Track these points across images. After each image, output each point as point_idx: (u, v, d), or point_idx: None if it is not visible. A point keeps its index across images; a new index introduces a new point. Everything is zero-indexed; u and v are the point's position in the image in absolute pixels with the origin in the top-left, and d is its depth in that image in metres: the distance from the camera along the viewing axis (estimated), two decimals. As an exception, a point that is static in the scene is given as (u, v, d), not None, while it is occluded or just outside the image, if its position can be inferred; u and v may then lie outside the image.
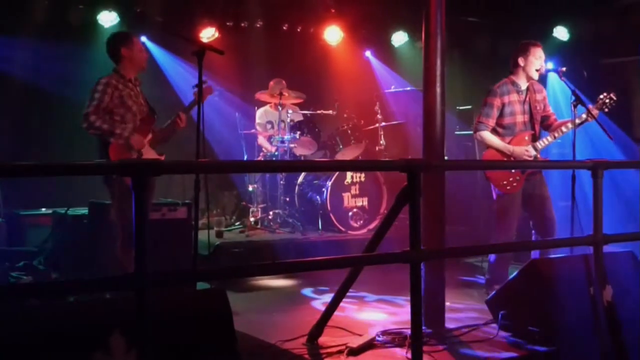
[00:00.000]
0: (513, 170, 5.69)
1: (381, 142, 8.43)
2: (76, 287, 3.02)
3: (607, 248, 4.16)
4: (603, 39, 9.34)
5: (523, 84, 5.80)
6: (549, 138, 5.77)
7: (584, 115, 5.61)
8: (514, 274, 4.54)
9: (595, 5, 9.24)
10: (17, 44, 8.00)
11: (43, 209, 7.52)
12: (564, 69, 5.79)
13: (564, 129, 5.70)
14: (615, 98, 5.64)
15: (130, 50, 5.28)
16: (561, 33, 9.74)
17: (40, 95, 8.04)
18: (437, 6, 4.86)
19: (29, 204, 7.66)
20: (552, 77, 9.17)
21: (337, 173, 7.68)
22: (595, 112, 5.62)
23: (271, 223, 7.89)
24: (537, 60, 5.74)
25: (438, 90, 4.84)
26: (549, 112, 5.95)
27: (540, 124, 5.88)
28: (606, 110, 5.68)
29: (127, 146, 5.12)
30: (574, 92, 5.61)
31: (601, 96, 5.68)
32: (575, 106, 5.63)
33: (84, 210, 6.62)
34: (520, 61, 5.76)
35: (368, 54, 10.58)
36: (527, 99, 5.80)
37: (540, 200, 5.76)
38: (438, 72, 4.85)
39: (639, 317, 4.67)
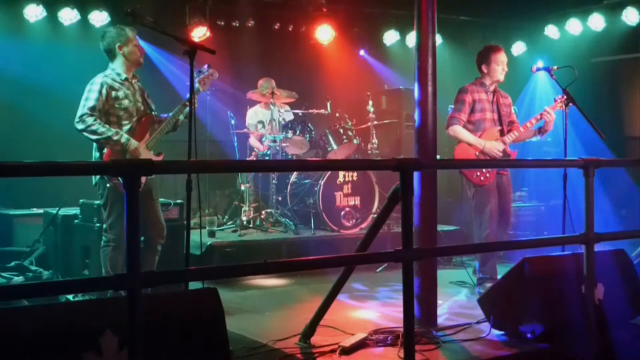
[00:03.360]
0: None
1: (373, 141, 8.43)
2: (68, 287, 3.01)
3: (599, 246, 4.17)
4: (594, 37, 9.38)
5: (491, 86, 6.03)
6: (515, 133, 5.97)
7: (538, 116, 5.89)
8: (506, 272, 4.55)
9: (586, 4, 9.29)
10: (8, 44, 7.98)
11: (34, 209, 7.48)
12: (555, 67, 5.84)
13: (528, 124, 5.95)
14: (568, 95, 5.78)
15: (126, 47, 5.12)
16: (552, 31, 9.78)
17: (30, 95, 7.99)
18: (429, 5, 4.86)
19: (20, 204, 7.63)
20: (541, 76, 9.19)
21: (329, 172, 7.68)
22: (552, 113, 5.83)
23: (263, 222, 7.88)
24: (499, 66, 5.97)
25: (430, 89, 4.85)
26: (514, 118, 6.21)
27: (506, 126, 6.08)
28: (562, 108, 5.83)
29: (122, 152, 4.97)
30: (565, 91, 5.66)
31: (557, 97, 5.89)
32: (566, 105, 5.68)
33: (75, 210, 6.60)
34: (484, 68, 6.01)
35: (362, 52, 10.59)
36: (495, 99, 6.03)
37: (506, 196, 6.02)
38: (430, 71, 4.86)
39: (629, 315, 4.70)
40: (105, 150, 5.01)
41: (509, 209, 6.09)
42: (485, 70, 5.97)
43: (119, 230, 5.02)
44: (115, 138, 4.95)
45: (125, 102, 5.09)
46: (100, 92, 4.97)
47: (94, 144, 5.09)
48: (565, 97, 5.77)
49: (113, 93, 5.03)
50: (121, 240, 4.97)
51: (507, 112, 6.09)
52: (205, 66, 5.28)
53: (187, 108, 5.08)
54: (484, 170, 5.85)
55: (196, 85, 5.16)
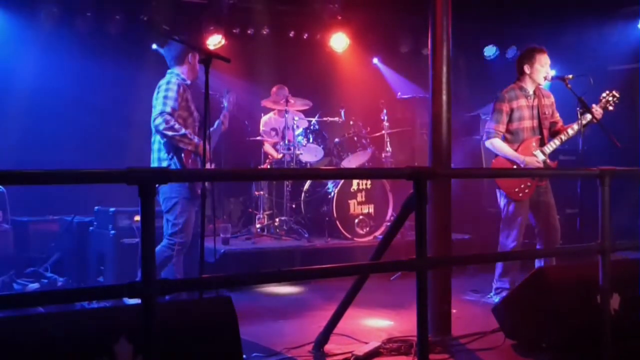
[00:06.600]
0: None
1: (387, 149, 8.42)
2: (83, 295, 3.02)
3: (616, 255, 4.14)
4: (610, 45, 9.33)
5: (530, 89, 5.82)
6: (555, 142, 5.75)
7: (588, 116, 5.61)
8: (520, 281, 4.52)
9: (601, 11, 9.24)
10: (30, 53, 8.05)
11: (49, 216, 7.52)
12: (570, 76, 5.77)
13: (569, 131, 5.71)
14: (618, 95, 5.65)
15: (194, 57, 5.18)
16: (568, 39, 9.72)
17: (50, 101, 8.05)
18: (443, 13, 4.87)
19: (36, 211, 7.67)
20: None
21: (343, 180, 7.68)
22: (599, 111, 5.63)
23: (277, 230, 7.89)
24: (543, 67, 5.76)
25: (444, 97, 4.85)
26: (557, 118, 5.95)
27: (549, 129, 5.87)
28: (610, 108, 5.67)
29: (194, 154, 5.00)
30: (580, 100, 5.60)
31: (604, 94, 5.69)
32: (582, 114, 5.62)
33: (90, 217, 6.63)
34: (526, 68, 5.78)
35: (376, 60, 10.60)
36: (535, 103, 5.80)
37: (547, 208, 5.75)
38: (444, 79, 4.86)
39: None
40: (182, 153, 5.00)
41: (554, 223, 5.73)
42: (527, 71, 5.74)
43: (187, 233, 5.05)
44: (190, 137, 4.97)
45: (192, 107, 5.15)
46: (178, 93, 4.99)
47: (159, 145, 5.07)
48: (610, 93, 5.64)
49: (185, 96, 5.07)
50: (188, 244, 5.07)
51: (549, 112, 5.85)
52: (225, 105, 5.50)
53: (219, 124, 5.37)
54: (522, 186, 5.62)
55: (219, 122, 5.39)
